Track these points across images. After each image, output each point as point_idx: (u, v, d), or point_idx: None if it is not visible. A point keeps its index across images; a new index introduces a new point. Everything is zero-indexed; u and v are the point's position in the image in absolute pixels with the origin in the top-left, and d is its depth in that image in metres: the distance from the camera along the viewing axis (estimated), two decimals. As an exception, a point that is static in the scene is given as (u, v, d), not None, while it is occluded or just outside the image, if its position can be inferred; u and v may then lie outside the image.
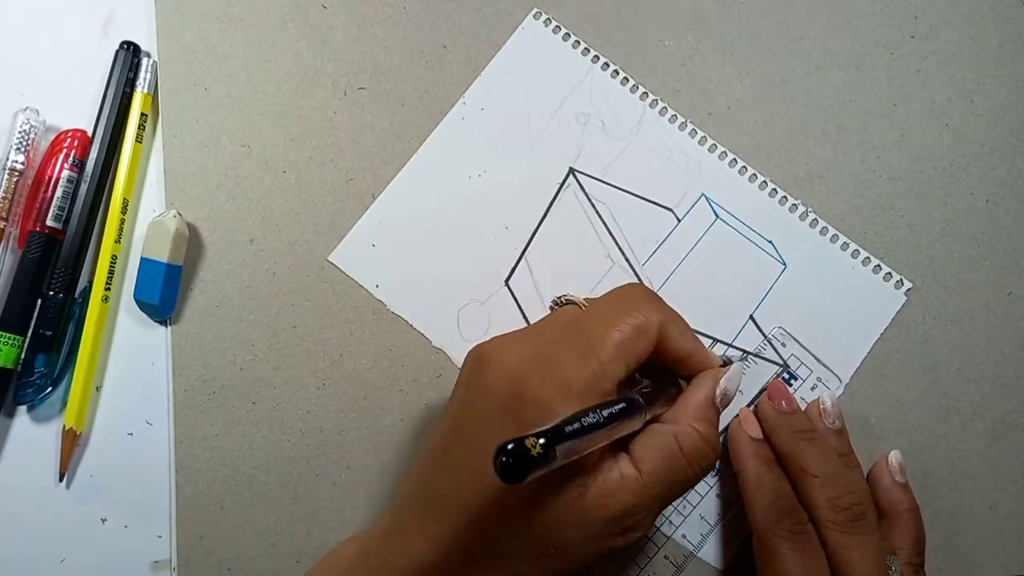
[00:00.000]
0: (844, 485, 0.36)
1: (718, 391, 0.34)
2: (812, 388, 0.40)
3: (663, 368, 0.35)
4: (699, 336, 0.38)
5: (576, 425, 0.27)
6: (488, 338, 0.34)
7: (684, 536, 0.39)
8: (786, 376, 0.40)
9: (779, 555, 0.35)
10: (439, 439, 0.33)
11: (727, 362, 0.37)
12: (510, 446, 0.25)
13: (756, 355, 0.40)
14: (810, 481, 0.36)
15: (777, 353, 0.40)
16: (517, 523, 0.31)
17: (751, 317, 0.40)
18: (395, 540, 0.32)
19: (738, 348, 0.40)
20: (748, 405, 0.40)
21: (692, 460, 0.32)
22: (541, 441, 0.25)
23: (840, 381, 0.40)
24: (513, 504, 0.30)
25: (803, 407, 0.39)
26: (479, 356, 0.33)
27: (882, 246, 0.41)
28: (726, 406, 0.35)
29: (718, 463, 0.39)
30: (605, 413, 0.29)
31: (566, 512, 0.30)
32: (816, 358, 0.40)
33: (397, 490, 0.36)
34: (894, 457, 0.39)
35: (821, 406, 0.38)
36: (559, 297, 0.35)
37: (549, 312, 0.36)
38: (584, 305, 0.34)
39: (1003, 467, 0.41)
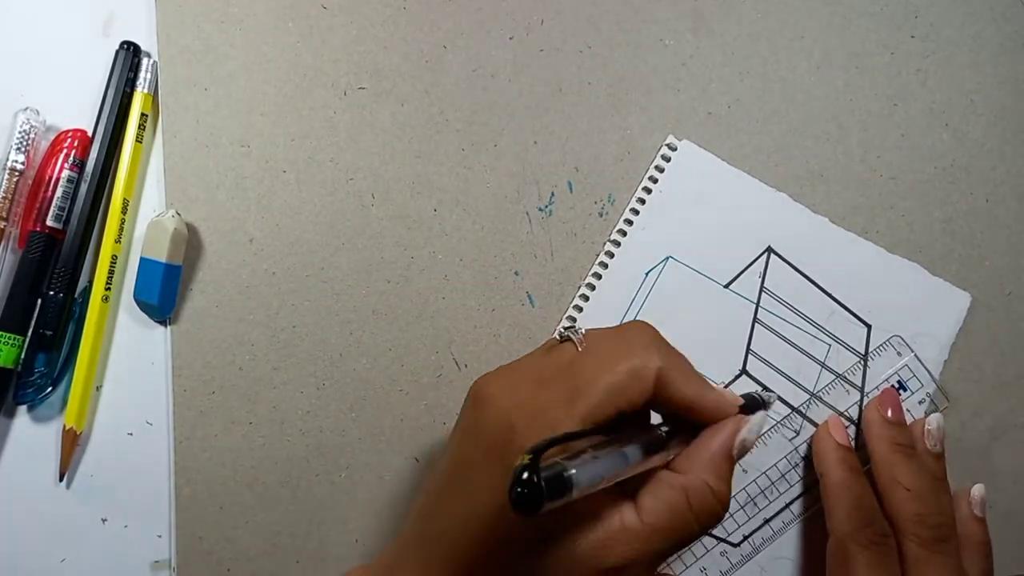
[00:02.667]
0: (935, 504, 0.36)
1: (736, 442, 0.32)
2: (920, 402, 0.41)
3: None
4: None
5: (590, 456, 0.27)
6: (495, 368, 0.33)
7: (749, 539, 0.39)
8: (898, 386, 0.40)
9: (855, 563, 0.34)
10: (439, 477, 0.32)
11: (754, 403, 0.34)
12: (525, 475, 0.24)
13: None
14: (901, 493, 0.36)
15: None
16: (511, 568, 0.30)
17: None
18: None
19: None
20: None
21: (700, 517, 0.31)
22: (556, 470, 0.25)
23: (948, 402, 0.41)
24: (507, 549, 0.30)
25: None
26: (478, 395, 0.32)
27: (883, 246, 0.41)
28: (742, 456, 0.33)
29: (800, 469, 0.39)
30: (626, 449, 0.28)
31: (562, 559, 0.29)
32: (931, 374, 0.40)
33: (407, 518, 0.36)
34: (977, 491, 0.39)
35: (926, 426, 0.38)
36: (564, 330, 0.33)
37: (555, 342, 0.34)
38: (581, 342, 0.32)
39: (1003, 467, 0.41)
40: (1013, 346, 0.41)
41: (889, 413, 0.38)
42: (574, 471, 0.26)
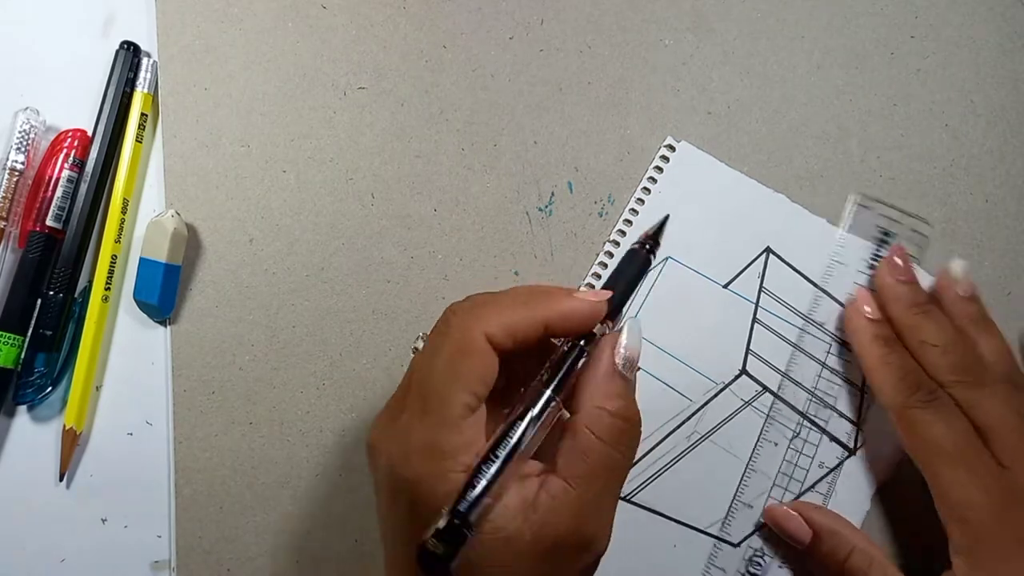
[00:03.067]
0: (963, 347, 0.36)
1: (618, 360, 0.30)
2: (907, 240, 0.40)
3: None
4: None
5: (475, 493, 0.27)
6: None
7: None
8: (882, 236, 0.41)
9: (921, 423, 0.35)
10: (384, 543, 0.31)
11: (619, 300, 0.32)
12: (420, 555, 0.25)
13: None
14: (932, 351, 0.36)
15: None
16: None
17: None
18: None
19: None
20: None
21: (614, 444, 0.29)
22: (443, 538, 0.26)
23: (930, 225, 0.41)
24: None
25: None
26: (368, 448, 0.31)
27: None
28: (634, 369, 0.31)
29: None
30: (519, 431, 0.28)
31: (509, 563, 0.27)
32: (902, 210, 0.40)
33: None
34: (956, 267, 0.38)
35: (952, 274, 0.38)
36: (414, 344, 0.32)
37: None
38: (415, 345, 0.31)
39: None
40: (1013, 346, 0.41)
41: (900, 276, 0.38)
42: (472, 514, 0.26)
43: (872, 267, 0.40)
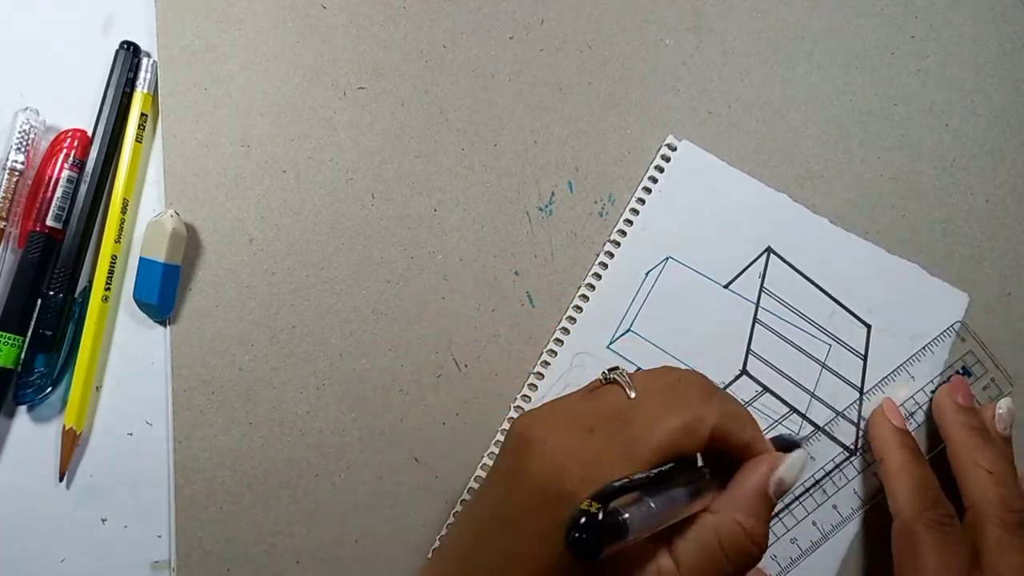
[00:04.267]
0: (1016, 487, 0.36)
1: (772, 481, 0.31)
2: (984, 388, 0.41)
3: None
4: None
5: (643, 499, 0.27)
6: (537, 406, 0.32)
7: (794, 541, 0.40)
8: (962, 371, 0.41)
9: (921, 545, 0.34)
10: (482, 520, 0.32)
11: (784, 444, 0.33)
12: (584, 520, 0.24)
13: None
14: (984, 476, 0.36)
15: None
16: None
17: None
18: None
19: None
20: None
21: (732, 559, 0.30)
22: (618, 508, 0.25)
23: (1012, 386, 0.41)
24: None
25: None
26: (522, 437, 0.31)
27: (883, 246, 0.41)
28: (781, 496, 0.31)
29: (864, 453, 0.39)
30: (673, 493, 0.28)
31: None
32: (994, 360, 0.41)
33: (440, 547, 0.35)
34: (1004, 406, 0.39)
35: (997, 411, 0.38)
36: (608, 371, 0.32)
37: (599, 383, 0.33)
38: (630, 392, 0.31)
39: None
40: (1013, 346, 0.41)
41: (960, 399, 0.38)
42: (628, 515, 0.26)
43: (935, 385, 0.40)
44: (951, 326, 0.41)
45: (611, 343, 0.40)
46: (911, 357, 0.40)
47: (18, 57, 0.41)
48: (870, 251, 0.41)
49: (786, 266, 0.41)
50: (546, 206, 0.41)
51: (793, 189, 0.42)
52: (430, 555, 0.39)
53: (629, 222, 0.41)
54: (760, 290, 0.40)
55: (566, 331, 0.40)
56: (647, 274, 0.41)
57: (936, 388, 0.40)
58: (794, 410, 0.40)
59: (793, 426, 0.40)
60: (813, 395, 0.40)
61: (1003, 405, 0.38)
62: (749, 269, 0.41)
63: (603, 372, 0.33)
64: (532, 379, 0.40)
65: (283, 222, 0.40)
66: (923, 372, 0.40)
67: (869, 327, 0.41)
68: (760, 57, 0.43)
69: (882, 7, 0.43)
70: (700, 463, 0.32)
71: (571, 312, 0.41)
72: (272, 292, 0.40)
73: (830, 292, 0.41)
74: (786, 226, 0.41)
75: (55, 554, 0.38)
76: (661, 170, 0.41)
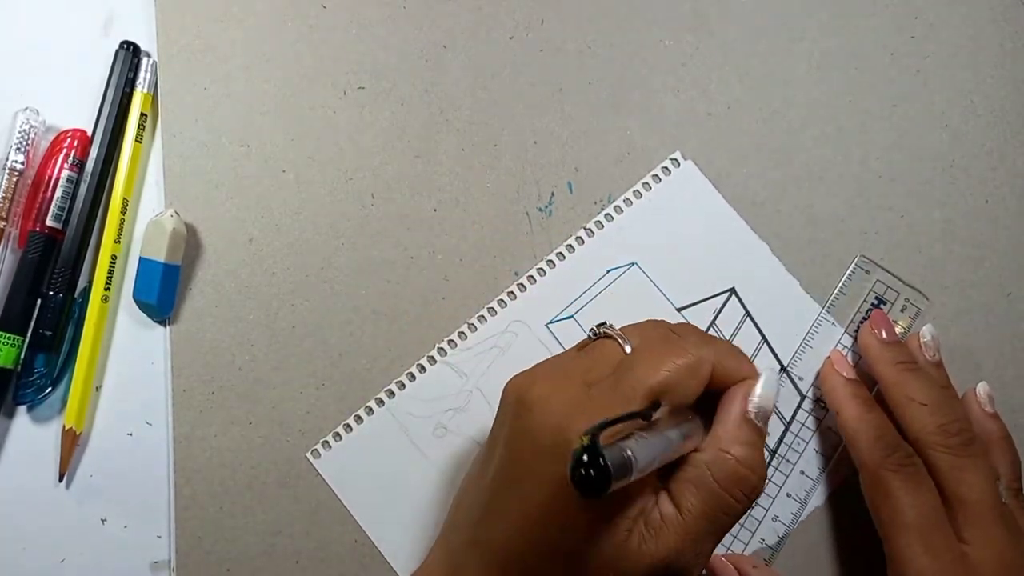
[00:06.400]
0: (952, 412, 0.36)
1: (750, 407, 0.32)
2: (902, 310, 0.41)
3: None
4: None
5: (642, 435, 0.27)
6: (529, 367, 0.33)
7: (776, 519, 0.40)
8: (876, 303, 0.41)
9: (892, 488, 0.35)
10: (489, 482, 0.32)
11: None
12: (586, 457, 0.24)
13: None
14: (918, 409, 0.36)
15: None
16: (571, 560, 0.30)
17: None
18: None
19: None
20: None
21: (730, 489, 0.30)
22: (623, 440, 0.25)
23: (927, 299, 0.41)
24: (562, 553, 0.29)
25: None
26: (523, 400, 0.31)
27: (882, 246, 0.41)
28: (765, 421, 0.32)
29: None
30: (668, 433, 0.29)
31: (614, 559, 0.29)
32: (902, 280, 0.41)
33: (447, 523, 0.36)
34: (982, 388, 0.39)
35: (922, 339, 0.38)
36: (597, 327, 0.33)
37: (588, 341, 0.34)
38: (626, 345, 0.32)
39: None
40: (1013, 346, 0.41)
41: (884, 334, 0.38)
42: (631, 452, 0.26)
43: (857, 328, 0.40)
44: (853, 263, 0.41)
45: (551, 322, 0.40)
46: (827, 305, 0.41)
47: (18, 57, 0.41)
48: (828, 329, 0.41)
49: (743, 312, 0.41)
50: (546, 206, 0.41)
51: (793, 189, 0.42)
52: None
53: (610, 217, 0.41)
54: (710, 326, 0.40)
55: (513, 295, 0.40)
56: (608, 272, 0.41)
57: (859, 328, 0.40)
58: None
59: None
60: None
61: (927, 333, 0.39)
62: (707, 302, 0.41)
63: (592, 328, 0.34)
64: (464, 328, 0.40)
65: (283, 222, 0.40)
66: (843, 315, 0.41)
67: (803, 397, 0.41)
68: (760, 57, 0.43)
69: (882, 7, 0.43)
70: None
71: (524, 280, 0.41)
72: (272, 292, 0.40)
73: (776, 352, 0.41)
74: (757, 276, 0.41)
75: (55, 554, 0.38)
76: (658, 180, 0.41)
